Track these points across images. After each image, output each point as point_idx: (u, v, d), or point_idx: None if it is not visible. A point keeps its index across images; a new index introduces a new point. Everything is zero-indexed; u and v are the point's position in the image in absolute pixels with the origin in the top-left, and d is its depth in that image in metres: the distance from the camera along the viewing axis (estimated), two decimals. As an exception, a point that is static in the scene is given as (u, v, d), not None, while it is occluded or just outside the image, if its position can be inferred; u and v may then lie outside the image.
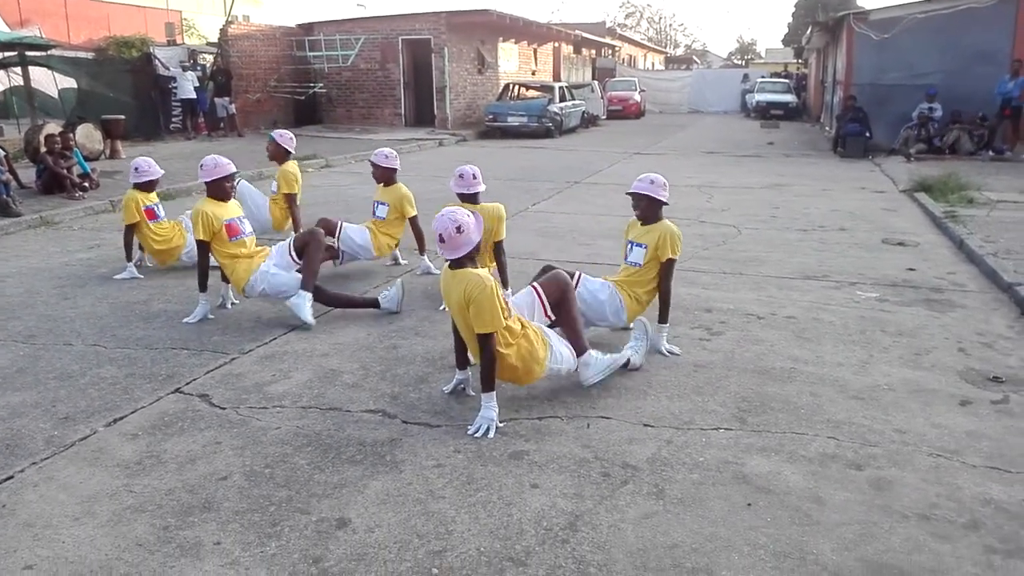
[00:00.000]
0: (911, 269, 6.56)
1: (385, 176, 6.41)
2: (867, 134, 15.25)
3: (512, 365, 3.69)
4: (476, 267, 3.70)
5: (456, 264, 3.66)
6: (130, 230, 6.30)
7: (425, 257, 6.44)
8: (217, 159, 5.25)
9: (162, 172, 6.48)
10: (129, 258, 6.35)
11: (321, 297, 5.29)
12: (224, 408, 3.89)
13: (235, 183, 7.11)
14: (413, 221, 6.39)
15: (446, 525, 2.87)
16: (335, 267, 6.36)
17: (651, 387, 4.12)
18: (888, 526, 2.86)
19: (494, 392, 3.63)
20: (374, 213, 6.46)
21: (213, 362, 4.50)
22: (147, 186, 6.36)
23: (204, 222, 5.07)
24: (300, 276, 5.19)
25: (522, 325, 3.78)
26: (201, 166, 5.28)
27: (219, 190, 5.24)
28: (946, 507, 2.98)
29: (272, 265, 5.23)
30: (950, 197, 9.60)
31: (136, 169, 6.37)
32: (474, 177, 5.29)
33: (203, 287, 5.21)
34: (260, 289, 5.20)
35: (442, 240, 3.61)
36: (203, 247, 5.15)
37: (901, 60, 15.33)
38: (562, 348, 3.93)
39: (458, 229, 3.58)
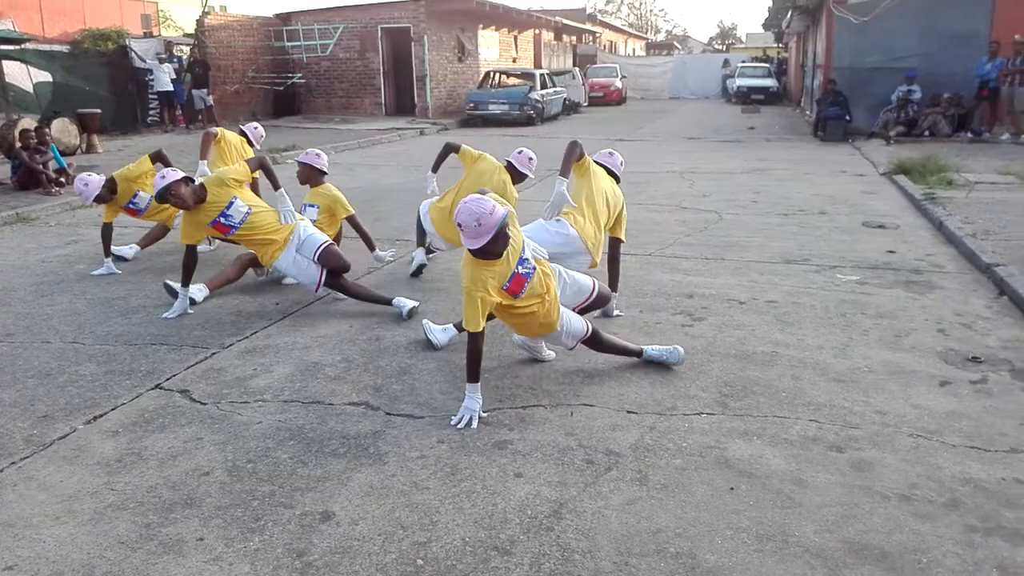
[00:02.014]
0: (891, 251, 6.60)
1: (311, 177, 5.99)
2: (847, 118, 15.30)
3: (541, 324, 3.88)
4: (497, 258, 3.57)
5: (479, 254, 3.54)
6: (108, 226, 6.23)
7: (376, 251, 6.13)
8: (164, 172, 4.97)
9: (102, 179, 6.07)
10: (107, 254, 6.27)
11: (347, 290, 5.27)
12: (205, 403, 3.86)
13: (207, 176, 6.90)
14: (352, 220, 5.97)
15: (430, 516, 2.87)
16: (257, 277, 5.94)
17: (634, 374, 4.12)
18: (869, 507, 2.88)
19: (478, 383, 3.62)
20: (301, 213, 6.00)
21: (193, 357, 4.46)
22: (101, 199, 6.08)
23: (186, 230, 5.10)
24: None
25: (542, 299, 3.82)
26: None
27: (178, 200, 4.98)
28: (926, 487, 3.01)
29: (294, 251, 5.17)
30: (929, 179, 9.65)
31: (80, 195, 6.11)
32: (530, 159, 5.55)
33: (185, 284, 5.16)
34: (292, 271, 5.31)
35: (461, 227, 3.50)
36: (189, 248, 5.11)
37: (881, 43, 15.36)
38: (572, 318, 3.99)
39: (478, 222, 3.45)
